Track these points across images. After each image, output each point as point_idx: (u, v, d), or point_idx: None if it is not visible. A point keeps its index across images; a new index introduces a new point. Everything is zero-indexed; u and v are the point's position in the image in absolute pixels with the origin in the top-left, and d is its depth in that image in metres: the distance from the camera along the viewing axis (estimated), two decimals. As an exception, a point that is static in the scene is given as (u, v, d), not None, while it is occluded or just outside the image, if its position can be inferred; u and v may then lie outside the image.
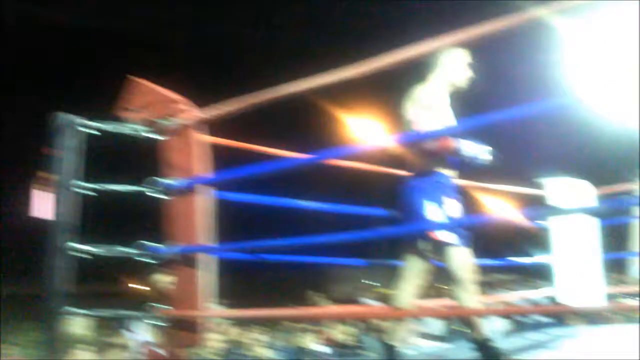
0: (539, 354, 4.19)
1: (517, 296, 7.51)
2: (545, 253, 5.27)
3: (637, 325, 3.95)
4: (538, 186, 5.16)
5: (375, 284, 19.31)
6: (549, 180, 4.98)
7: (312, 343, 8.39)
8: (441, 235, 3.35)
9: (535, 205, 4.86)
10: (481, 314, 3.32)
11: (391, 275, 3.72)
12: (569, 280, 4.79)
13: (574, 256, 4.72)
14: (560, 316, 7.10)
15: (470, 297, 3.37)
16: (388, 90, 3.87)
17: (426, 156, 3.40)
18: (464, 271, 3.39)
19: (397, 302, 3.50)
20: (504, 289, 10.95)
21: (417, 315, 3.61)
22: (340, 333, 8.20)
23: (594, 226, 4.76)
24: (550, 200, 4.79)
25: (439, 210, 3.37)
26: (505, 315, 7.42)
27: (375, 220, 4.32)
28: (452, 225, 3.53)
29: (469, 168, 3.50)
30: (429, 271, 3.56)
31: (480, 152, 3.44)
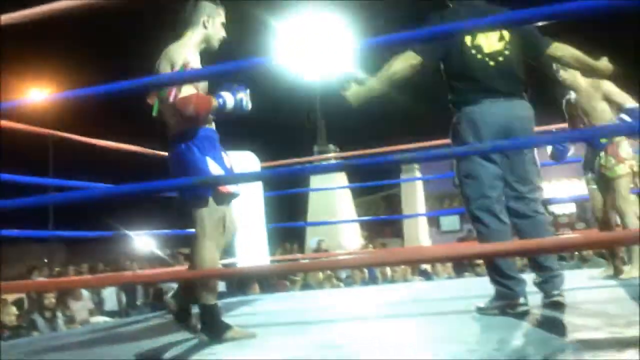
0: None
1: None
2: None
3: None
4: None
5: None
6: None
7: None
8: (230, 187, 3.18)
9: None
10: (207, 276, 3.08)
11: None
12: (247, 247, 5.03)
13: (250, 223, 4.95)
14: (240, 284, 7.41)
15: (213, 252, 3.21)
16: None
17: (188, 120, 3.13)
18: (223, 225, 3.24)
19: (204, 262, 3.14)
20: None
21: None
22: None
23: (259, 196, 5.00)
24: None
25: (221, 164, 3.16)
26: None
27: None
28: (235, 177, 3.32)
29: (236, 116, 3.26)
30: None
31: (242, 98, 3.25)
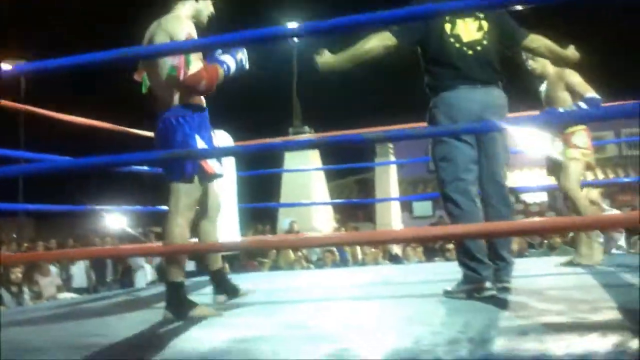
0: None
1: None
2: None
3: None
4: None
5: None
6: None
7: None
8: (214, 167, 3.21)
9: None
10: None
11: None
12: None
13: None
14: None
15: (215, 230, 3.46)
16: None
17: (199, 94, 3.19)
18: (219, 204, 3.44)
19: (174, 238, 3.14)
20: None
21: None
22: None
23: (232, 175, 4.96)
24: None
25: (209, 143, 3.20)
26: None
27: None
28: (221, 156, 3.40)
29: (237, 76, 3.31)
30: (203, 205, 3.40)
31: (241, 58, 3.28)
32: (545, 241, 9.46)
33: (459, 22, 3.32)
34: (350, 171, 18.74)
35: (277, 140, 7.31)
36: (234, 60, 3.24)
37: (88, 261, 10.54)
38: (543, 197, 17.14)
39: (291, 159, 11.17)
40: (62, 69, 2.46)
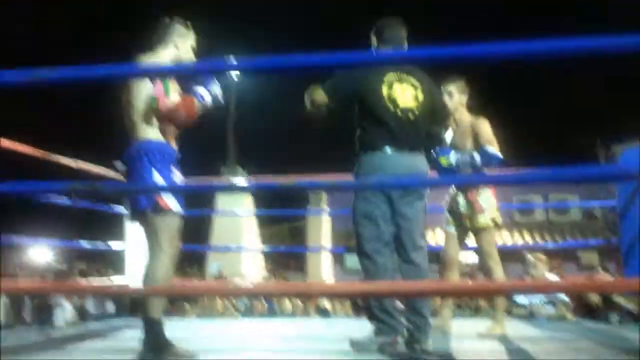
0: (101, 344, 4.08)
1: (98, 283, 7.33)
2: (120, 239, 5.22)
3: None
4: (116, 168, 5.10)
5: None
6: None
7: None
8: (170, 203, 3.15)
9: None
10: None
11: None
12: (140, 266, 4.81)
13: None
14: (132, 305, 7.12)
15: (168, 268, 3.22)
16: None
17: (178, 127, 3.27)
18: (175, 240, 3.25)
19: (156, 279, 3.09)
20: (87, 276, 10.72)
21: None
22: None
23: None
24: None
25: (167, 178, 3.18)
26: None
27: None
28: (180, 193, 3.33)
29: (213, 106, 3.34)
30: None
31: (214, 89, 3.31)
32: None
33: (396, 86, 3.43)
34: (284, 218, 18.64)
35: (210, 180, 7.21)
36: (208, 92, 3.29)
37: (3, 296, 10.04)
38: (474, 258, 17.36)
39: (223, 201, 11.01)
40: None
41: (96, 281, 7.86)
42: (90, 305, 9.76)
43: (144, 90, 3.17)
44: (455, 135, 4.40)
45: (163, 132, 3.23)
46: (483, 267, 4.38)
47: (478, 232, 4.34)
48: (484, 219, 4.32)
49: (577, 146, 17.63)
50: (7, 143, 4.26)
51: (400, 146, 3.36)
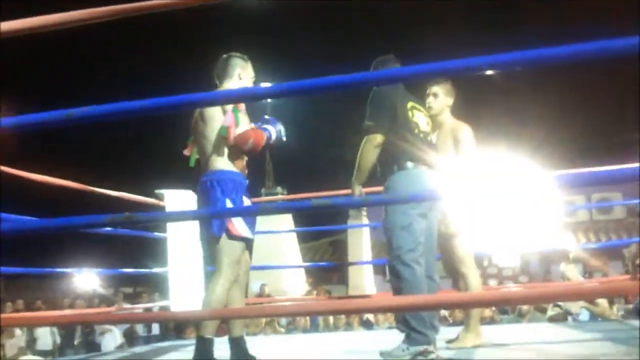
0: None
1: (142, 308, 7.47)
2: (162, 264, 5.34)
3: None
4: (157, 197, 5.23)
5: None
6: (168, 192, 5.08)
7: None
8: (240, 229, 3.37)
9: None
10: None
11: None
12: (183, 289, 4.92)
13: (188, 266, 4.86)
14: (176, 327, 7.24)
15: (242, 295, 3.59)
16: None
17: (245, 153, 3.48)
18: (240, 264, 3.46)
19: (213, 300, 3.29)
20: (130, 302, 10.90)
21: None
22: None
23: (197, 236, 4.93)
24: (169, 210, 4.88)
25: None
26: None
27: None
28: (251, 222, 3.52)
29: (275, 145, 3.68)
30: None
31: (280, 129, 3.63)
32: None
33: (416, 112, 3.78)
34: (323, 233, 18.68)
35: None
36: (274, 129, 3.59)
37: (54, 323, 10.29)
38: (516, 261, 17.17)
39: (263, 221, 11.10)
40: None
41: (143, 305, 8.00)
42: (139, 328, 9.95)
43: (216, 123, 3.40)
44: (438, 138, 4.20)
45: (233, 160, 3.44)
46: (453, 274, 4.20)
47: (450, 238, 4.13)
48: (454, 225, 4.11)
49: (618, 142, 17.36)
50: (48, 178, 4.42)
51: (426, 164, 3.65)
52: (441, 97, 4.17)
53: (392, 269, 3.52)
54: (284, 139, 3.68)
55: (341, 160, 4.13)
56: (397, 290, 3.47)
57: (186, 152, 3.69)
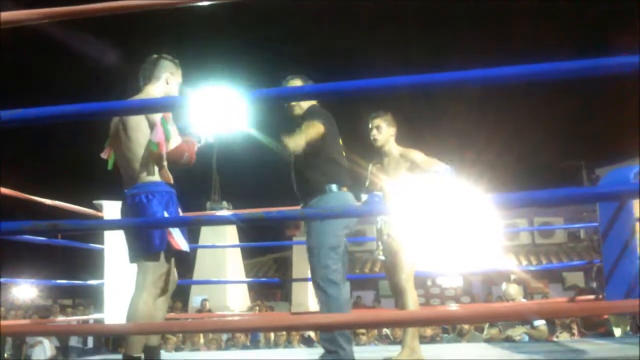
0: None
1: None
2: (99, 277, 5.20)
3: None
4: (96, 207, 5.10)
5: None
6: (106, 203, 4.96)
7: None
8: (180, 243, 3.27)
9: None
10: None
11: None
12: (118, 302, 4.79)
13: (124, 278, 4.74)
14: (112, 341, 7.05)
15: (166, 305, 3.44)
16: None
17: (178, 167, 3.34)
18: (166, 278, 3.31)
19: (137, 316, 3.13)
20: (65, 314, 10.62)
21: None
22: None
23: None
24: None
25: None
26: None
27: None
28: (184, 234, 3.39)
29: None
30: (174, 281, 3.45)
31: (205, 133, 3.53)
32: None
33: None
34: (269, 249, 18.59)
35: (194, 214, 7.19)
36: (199, 137, 3.50)
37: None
38: (459, 281, 17.36)
39: (207, 235, 10.98)
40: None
41: (78, 318, 7.78)
42: (73, 340, 9.69)
43: (140, 135, 3.22)
44: (388, 166, 4.29)
45: (161, 172, 3.27)
46: (395, 289, 4.16)
47: (396, 253, 4.13)
48: (398, 240, 4.13)
49: (561, 170, 17.80)
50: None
51: (349, 185, 3.86)
52: (384, 128, 4.29)
53: (319, 287, 3.62)
54: (208, 141, 3.62)
55: (288, 176, 4.07)
56: (326, 309, 3.56)
57: (103, 155, 3.49)
